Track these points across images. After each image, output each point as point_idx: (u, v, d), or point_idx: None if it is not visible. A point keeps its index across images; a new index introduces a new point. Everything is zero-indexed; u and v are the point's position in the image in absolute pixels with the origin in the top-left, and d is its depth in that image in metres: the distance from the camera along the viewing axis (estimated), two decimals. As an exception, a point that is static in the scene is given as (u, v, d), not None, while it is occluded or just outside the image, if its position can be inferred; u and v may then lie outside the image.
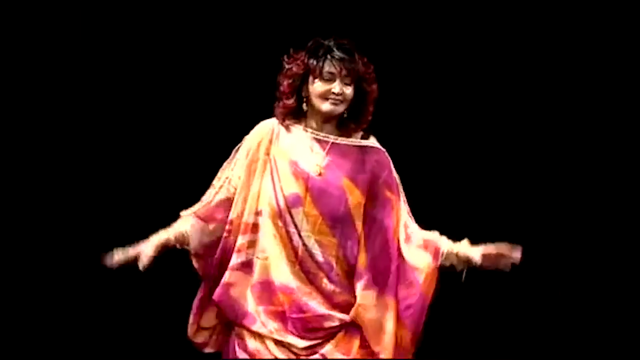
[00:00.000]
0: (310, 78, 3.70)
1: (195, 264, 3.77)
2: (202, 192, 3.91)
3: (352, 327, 3.71)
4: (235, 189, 3.74)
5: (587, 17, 4.94)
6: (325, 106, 3.68)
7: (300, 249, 3.67)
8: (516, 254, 3.62)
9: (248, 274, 3.72)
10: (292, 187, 3.67)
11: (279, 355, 3.66)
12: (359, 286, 3.68)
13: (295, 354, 3.67)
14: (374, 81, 3.74)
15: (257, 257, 3.71)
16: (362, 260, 3.70)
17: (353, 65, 3.67)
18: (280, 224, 3.67)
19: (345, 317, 3.69)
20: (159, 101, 5.02)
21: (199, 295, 3.80)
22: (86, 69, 4.97)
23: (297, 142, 3.72)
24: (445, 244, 3.69)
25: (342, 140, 3.73)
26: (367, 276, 3.70)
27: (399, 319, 3.71)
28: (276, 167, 3.70)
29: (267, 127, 3.76)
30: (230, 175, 3.77)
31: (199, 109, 5.01)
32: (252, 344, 3.71)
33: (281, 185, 3.68)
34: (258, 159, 3.74)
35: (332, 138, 3.72)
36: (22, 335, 4.98)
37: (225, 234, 3.74)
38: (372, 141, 3.78)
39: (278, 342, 3.68)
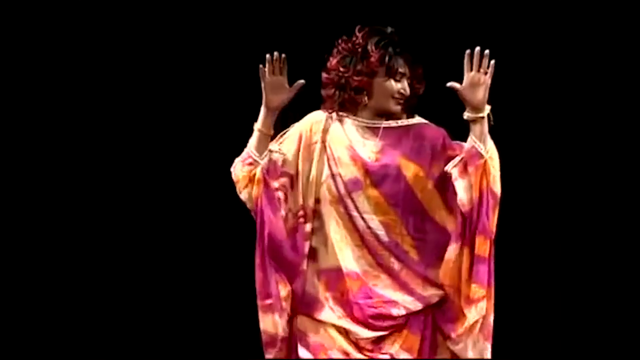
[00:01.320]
0: (379, 72, 3.65)
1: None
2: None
3: (416, 322, 3.64)
4: (286, 159, 3.67)
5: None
6: (393, 106, 3.67)
7: (365, 232, 3.61)
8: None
9: (315, 261, 3.66)
10: (351, 172, 3.63)
11: (342, 343, 3.60)
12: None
13: (358, 344, 3.61)
14: (423, 82, 3.71)
15: (320, 245, 3.65)
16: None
17: (416, 66, 3.67)
18: (342, 209, 3.62)
19: (412, 306, 3.62)
20: (177, 102, 5.05)
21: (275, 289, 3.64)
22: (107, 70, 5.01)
23: (349, 130, 3.68)
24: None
25: (392, 124, 3.69)
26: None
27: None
28: (332, 153, 3.65)
29: (319, 116, 3.71)
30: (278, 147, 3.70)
31: (220, 108, 5.04)
32: (315, 337, 3.63)
33: (339, 171, 3.63)
34: (313, 145, 3.68)
35: (384, 123, 3.67)
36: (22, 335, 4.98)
37: (301, 220, 3.67)
38: (418, 119, 3.72)
39: (342, 331, 3.61)
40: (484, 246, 3.57)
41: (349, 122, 3.69)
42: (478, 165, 3.55)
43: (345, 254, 3.62)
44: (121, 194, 5.10)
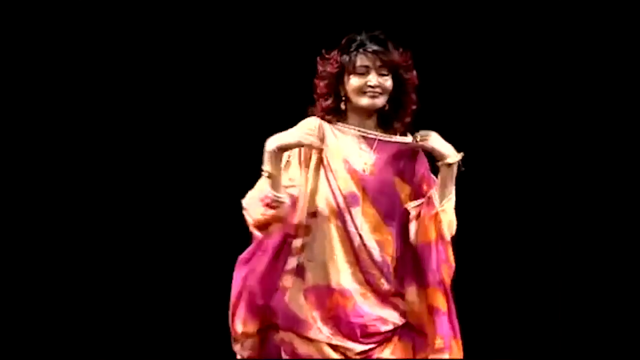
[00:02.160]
0: (346, 75, 3.63)
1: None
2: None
3: (406, 332, 3.67)
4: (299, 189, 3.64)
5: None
6: (364, 100, 3.61)
7: (361, 249, 3.59)
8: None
9: (301, 278, 3.62)
10: (349, 186, 3.60)
11: (331, 354, 3.59)
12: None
13: (346, 355, 3.61)
14: (412, 69, 3.67)
15: (308, 261, 3.61)
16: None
17: (387, 56, 3.61)
18: (340, 224, 3.59)
19: (398, 321, 3.64)
20: (191, 103, 5.09)
21: (247, 296, 3.65)
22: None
23: (343, 140, 3.65)
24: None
25: (388, 138, 3.67)
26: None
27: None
28: (329, 165, 3.62)
29: (312, 123, 3.67)
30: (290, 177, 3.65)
31: (230, 111, 5.06)
32: (304, 349, 3.62)
33: (337, 184, 3.60)
34: (310, 157, 3.65)
35: (379, 135, 3.66)
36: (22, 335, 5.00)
37: (292, 234, 3.62)
38: (411, 139, 3.69)
39: (334, 347, 3.61)
40: (439, 299, 3.61)
41: (341, 129, 3.66)
42: (430, 216, 3.57)
43: (340, 271, 3.59)
44: (121, 195, 5.11)
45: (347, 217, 3.59)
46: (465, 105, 5.04)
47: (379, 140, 3.64)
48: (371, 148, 3.64)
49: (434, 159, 3.62)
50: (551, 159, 5.07)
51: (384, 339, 3.63)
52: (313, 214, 3.60)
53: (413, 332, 3.66)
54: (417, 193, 3.65)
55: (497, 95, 5.03)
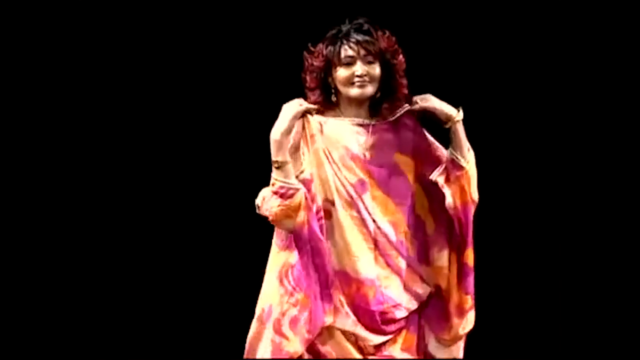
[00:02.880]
0: (333, 67, 3.61)
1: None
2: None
3: (414, 321, 3.67)
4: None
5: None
6: (353, 91, 3.60)
7: (377, 233, 3.60)
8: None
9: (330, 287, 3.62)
10: (355, 174, 3.60)
11: (350, 349, 3.59)
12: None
13: (363, 349, 3.61)
14: (399, 53, 3.65)
15: (332, 246, 3.60)
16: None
17: (372, 43, 3.59)
18: (355, 213, 3.59)
19: (410, 306, 3.64)
20: (187, 99, 5.05)
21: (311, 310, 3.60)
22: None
23: (340, 130, 3.63)
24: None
25: (381, 122, 3.66)
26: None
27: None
28: (332, 157, 3.60)
29: (310, 121, 3.65)
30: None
31: (222, 107, 5.03)
32: (322, 347, 3.60)
33: (344, 174, 3.59)
34: (315, 145, 3.62)
35: (373, 122, 3.64)
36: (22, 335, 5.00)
37: (321, 217, 3.60)
38: (405, 106, 3.68)
39: (350, 338, 3.61)
40: (471, 256, 3.65)
41: (337, 122, 3.64)
42: (459, 176, 3.60)
43: (360, 260, 3.59)
44: (121, 195, 5.11)
45: (360, 205, 3.59)
46: (460, 88, 5.03)
47: (374, 125, 3.65)
48: (367, 133, 3.64)
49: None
50: (550, 154, 5.05)
51: (399, 328, 3.64)
52: (330, 201, 3.60)
53: (423, 315, 3.68)
54: (428, 160, 3.66)
55: (493, 81, 5.02)
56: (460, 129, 3.61)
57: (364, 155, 3.61)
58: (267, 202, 3.51)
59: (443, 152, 3.67)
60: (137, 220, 5.08)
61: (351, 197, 3.59)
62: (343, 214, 3.59)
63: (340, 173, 3.60)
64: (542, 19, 4.98)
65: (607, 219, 4.99)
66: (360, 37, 3.59)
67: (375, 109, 3.68)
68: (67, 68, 5.00)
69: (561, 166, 5.04)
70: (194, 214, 5.10)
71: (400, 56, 3.65)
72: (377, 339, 3.60)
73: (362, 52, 3.58)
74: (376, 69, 3.60)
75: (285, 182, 3.49)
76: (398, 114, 3.67)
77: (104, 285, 5.08)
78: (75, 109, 5.04)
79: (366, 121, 3.65)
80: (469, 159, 3.61)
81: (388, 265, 3.62)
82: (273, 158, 3.50)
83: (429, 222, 3.68)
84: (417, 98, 3.64)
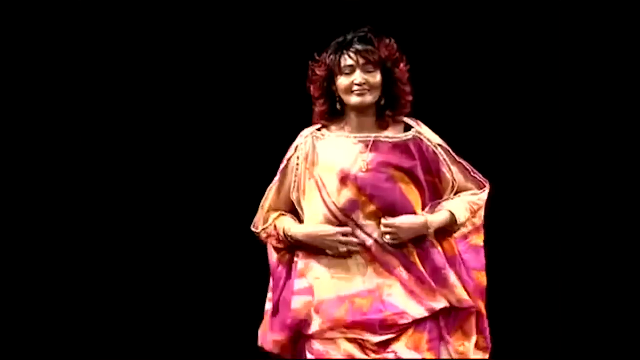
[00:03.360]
0: (335, 76, 3.67)
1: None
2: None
3: (421, 323, 3.68)
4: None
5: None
6: (353, 99, 3.65)
7: (372, 244, 3.63)
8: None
9: (310, 296, 3.68)
10: (344, 195, 3.64)
11: (350, 349, 3.64)
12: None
13: (364, 347, 3.65)
14: (400, 61, 3.70)
15: (315, 278, 3.67)
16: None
17: (371, 52, 3.64)
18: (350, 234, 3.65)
19: (417, 315, 3.66)
20: (191, 108, 5.10)
21: (270, 311, 3.78)
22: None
23: (337, 147, 3.70)
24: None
25: (382, 138, 3.69)
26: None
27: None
28: (322, 183, 3.67)
29: (303, 136, 3.75)
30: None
31: (231, 115, 5.09)
32: (318, 345, 3.68)
33: (332, 200, 3.65)
34: (304, 180, 3.71)
35: (372, 136, 3.68)
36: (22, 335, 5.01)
37: (295, 257, 3.74)
38: (413, 131, 3.72)
39: (351, 340, 3.65)
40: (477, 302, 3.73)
41: (335, 135, 3.70)
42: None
43: (355, 276, 3.64)
44: (121, 195, 5.12)
45: (350, 223, 3.64)
46: (465, 96, 5.05)
47: (374, 140, 3.68)
48: (367, 147, 3.67)
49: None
50: (550, 155, 5.06)
51: (402, 329, 3.65)
52: None
53: (428, 321, 3.69)
54: (427, 185, 3.69)
55: (497, 88, 5.04)
56: (444, 222, 3.66)
57: (360, 169, 3.64)
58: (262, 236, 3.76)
59: (448, 183, 3.71)
60: (138, 220, 5.11)
61: (339, 220, 3.63)
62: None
63: (329, 199, 3.64)
64: (546, 31, 5.00)
65: (605, 219, 5.01)
66: (360, 46, 3.64)
67: (380, 115, 3.71)
68: (67, 69, 5.02)
69: (560, 168, 5.06)
70: (193, 215, 5.12)
71: (402, 64, 3.69)
72: (375, 339, 3.63)
73: (361, 60, 3.64)
74: (376, 77, 3.65)
75: (283, 232, 3.69)
76: (402, 137, 3.69)
77: (104, 285, 5.10)
78: (75, 110, 5.06)
79: (367, 137, 3.68)
80: (458, 227, 3.69)
81: (391, 274, 3.65)
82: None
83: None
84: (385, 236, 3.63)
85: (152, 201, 5.12)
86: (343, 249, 3.62)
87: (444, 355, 3.68)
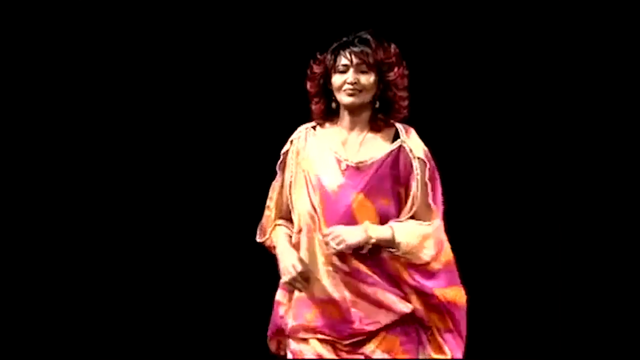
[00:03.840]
0: (331, 75, 3.70)
1: None
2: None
3: (394, 326, 3.68)
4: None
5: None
6: (344, 98, 3.67)
7: (334, 260, 3.64)
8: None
9: (291, 292, 3.72)
10: (314, 198, 3.67)
11: (321, 351, 3.66)
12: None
13: (337, 349, 3.67)
14: (395, 66, 3.69)
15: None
16: None
17: (367, 54, 3.65)
18: (321, 237, 3.65)
19: (389, 321, 3.67)
20: (191, 107, 5.13)
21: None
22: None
23: (321, 155, 3.71)
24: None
25: (356, 162, 3.67)
26: None
27: None
28: (310, 179, 3.70)
29: (300, 140, 3.76)
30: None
31: (231, 114, 5.13)
32: (294, 345, 3.72)
33: (311, 197, 3.68)
34: (296, 175, 3.74)
35: (351, 162, 3.67)
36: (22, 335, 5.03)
37: None
38: (398, 141, 3.71)
39: (322, 340, 3.68)
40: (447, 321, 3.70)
41: (323, 140, 3.72)
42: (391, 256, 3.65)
43: (324, 283, 3.64)
44: (121, 195, 5.14)
45: (317, 228, 3.67)
46: (464, 101, 5.07)
47: (347, 164, 3.68)
48: (339, 166, 3.69)
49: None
50: (549, 156, 5.05)
51: (373, 332, 3.66)
52: (299, 231, 3.71)
53: (403, 324, 3.69)
54: (396, 196, 3.67)
55: (495, 92, 5.05)
56: (382, 238, 3.60)
57: (330, 189, 3.65)
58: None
59: (410, 198, 3.67)
60: (138, 221, 5.13)
61: (314, 221, 3.65)
62: (311, 239, 3.66)
63: (315, 196, 3.66)
64: (545, 40, 5.00)
65: (603, 220, 5.02)
66: (356, 48, 3.66)
67: (375, 118, 3.72)
68: (64, 69, 5.04)
69: (558, 169, 5.06)
70: (193, 215, 5.15)
71: (397, 69, 3.69)
72: (346, 341, 3.66)
73: (356, 60, 3.65)
74: (369, 79, 3.66)
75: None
76: (384, 153, 3.68)
77: (104, 285, 5.12)
78: (74, 110, 5.08)
79: (346, 160, 3.68)
80: (397, 249, 3.61)
81: (352, 289, 3.64)
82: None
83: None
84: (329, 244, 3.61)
85: (149, 200, 5.14)
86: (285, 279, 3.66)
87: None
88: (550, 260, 5.06)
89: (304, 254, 3.67)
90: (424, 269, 3.64)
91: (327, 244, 3.57)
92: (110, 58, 5.08)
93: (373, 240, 3.57)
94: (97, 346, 5.12)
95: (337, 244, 3.55)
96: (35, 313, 5.08)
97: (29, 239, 5.07)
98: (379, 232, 3.58)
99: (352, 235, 3.56)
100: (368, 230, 3.56)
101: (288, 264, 3.62)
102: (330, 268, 3.64)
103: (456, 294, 3.68)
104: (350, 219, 3.61)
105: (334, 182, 3.65)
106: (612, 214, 4.97)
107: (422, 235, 3.62)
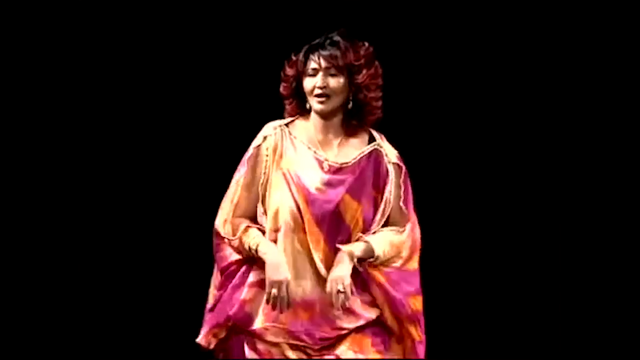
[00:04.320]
0: (302, 78, 3.69)
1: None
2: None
3: (364, 327, 3.68)
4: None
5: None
6: (315, 104, 3.66)
7: (310, 264, 3.64)
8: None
9: (263, 290, 3.67)
10: (297, 198, 3.64)
11: (292, 357, 3.65)
12: None
13: (308, 354, 3.66)
14: (364, 68, 3.65)
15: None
16: None
17: (335, 57, 3.62)
18: (302, 236, 3.64)
19: (358, 323, 3.67)
20: (171, 104, 5.10)
21: (210, 306, 3.77)
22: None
23: (300, 153, 3.70)
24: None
25: (340, 162, 3.67)
26: None
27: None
28: (292, 178, 3.66)
29: (275, 137, 3.71)
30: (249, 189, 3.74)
31: (207, 111, 5.09)
32: (262, 345, 3.68)
33: (295, 196, 3.65)
34: (272, 172, 3.70)
35: (333, 162, 3.66)
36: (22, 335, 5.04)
37: (254, 265, 3.71)
38: (375, 144, 3.70)
39: (294, 347, 3.66)
40: (415, 332, 3.69)
41: (301, 140, 3.70)
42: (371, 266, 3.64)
43: (301, 284, 3.63)
44: (121, 195, 5.14)
45: (300, 228, 3.65)
46: (445, 103, 5.05)
47: (329, 164, 3.67)
48: (323, 169, 3.67)
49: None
50: (546, 156, 5.04)
51: (343, 335, 3.66)
52: (277, 229, 3.66)
53: (372, 325, 3.68)
54: (370, 200, 3.66)
55: (478, 92, 5.03)
56: (363, 255, 3.60)
57: (314, 189, 3.63)
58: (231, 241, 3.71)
59: (384, 202, 3.67)
60: (136, 220, 5.13)
61: (303, 220, 3.62)
62: (290, 238, 3.63)
63: (297, 195, 3.63)
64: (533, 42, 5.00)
65: (604, 218, 4.99)
66: (325, 51, 3.64)
67: (347, 120, 3.70)
68: (60, 70, 5.03)
69: (556, 169, 5.04)
70: (192, 214, 5.14)
71: (366, 70, 3.65)
72: (317, 345, 3.65)
73: (324, 64, 3.63)
74: (338, 82, 3.63)
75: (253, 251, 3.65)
76: (359, 157, 3.67)
77: (103, 286, 5.12)
78: (73, 111, 5.08)
79: (326, 159, 3.67)
80: (376, 260, 3.61)
81: (325, 298, 3.62)
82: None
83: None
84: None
85: (148, 200, 5.14)
86: (270, 292, 3.61)
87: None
88: (548, 260, 5.07)
89: (286, 255, 3.64)
90: (398, 270, 3.66)
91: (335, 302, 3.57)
92: (91, 59, 5.07)
93: (356, 260, 3.59)
94: (97, 346, 5.12)
95: (346, 298, 3.57)
96: (33, 312, 5.09)
97: (17, 236, 5.06)
98: (359, 252, 3.60)
99: (345, 273, 3.57)
100: (353, 257, 3.58)
101: (284, 269, 3.60)
102: (309, 271, 3.63)
103: (419, 303, 3.70)
104: (338, 218, 3.61)
105: (318, 181, 3.63)
106: (608, 211, 4.97)
107: (397, 243, 3.65)
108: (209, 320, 3.72)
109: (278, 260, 3.60)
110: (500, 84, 5.04)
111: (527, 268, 5.08)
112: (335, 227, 3.62)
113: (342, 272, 3.56)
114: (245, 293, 3.67)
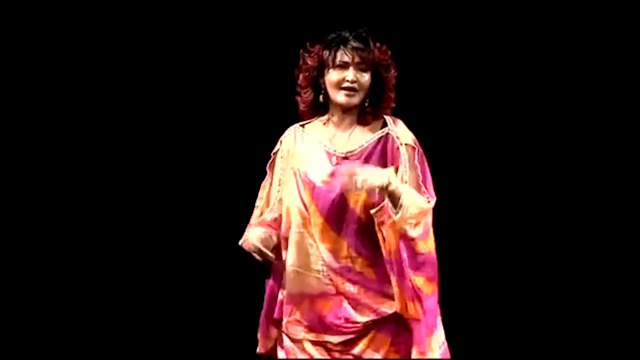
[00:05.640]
0: (326, 69, 3.69)
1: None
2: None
3: (385, 325, 3.67)
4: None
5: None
6: (340, 97, 3.68)
7: (321, 257, 3.66)
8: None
9: (284, 286, 3.73)
10: (304, 195, 3.68)
11: (314, 353, 3.68)
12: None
13: (329, 350, 3.68)
14: (391, 67, 3.72)
15: (285, 270, 3.71)
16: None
17: (367, 53, 3.66)
18: (310, 231, 3.67)
19: (364, 320, 3.66)
20: (182, 104, 5.12)
21: (265, 311, 3.81)
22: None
23: (310, 150, 3.73)
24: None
25: (345, 151, 3.69)
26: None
27: None
28: (300, 175, 3.70)
29: (289, 138, 3.77)
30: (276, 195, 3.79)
31: (220, 111, 5.12)
32: (287, 342, 3.73)
33: (301, 195, 3.69)
34: (285, 173, 3.75)
35: (340, 153, 3.69)
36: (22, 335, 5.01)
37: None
38: (385, 129, 3.71)
39: (314, 342, 3.69)
40: (413, 308, 3.61)
41: (313, 136, 3.73)
42: (390, 222, 3.57)
43: (313, 277, 3.66)
44: (121, 195, 5.12)
45: (309, 226, 3.68)
46: (451, 102, 5.06)
47: (337, 156, 3.70)
48: (330, 160, 3.70)
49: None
50: (547, 155, 5.05)
51: (363, 330, 3.66)
52: (289, 227, 3.70)
53: (394, 324, 3.67)
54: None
55: (482, 93, 5.05)
56: (396, 191, 3.53)
57: (320, 181, 3.66)
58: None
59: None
60: (136, 221, 5.12)
61: (304, 217, 3.66)
62: (301, 235, 3.67)
63: (304, 192, 3.67)
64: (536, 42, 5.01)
65: (604, 218, 5.02)
66: (356, 45, 3.66)
67: (362, 115, 3.73)
68: (58, 70, 5.02)
69: (557, 164, 5.06)
70: (191, 215, 5.13)
71: (392, 70, 3.71)
72: (337, 339, 3.66)
73: (357, 59, 3.66)
74: (366, 78, 3.68)
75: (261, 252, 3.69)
76: (374, 138, 3.69)
77: (103, 286, 5.11)
78: (71, 111, 5.07)
79: (335, 152, 3.70)
80: (400, 209, 3.52)
81: (338, 292, 3.66)
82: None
83: (377, 242, 3.64)
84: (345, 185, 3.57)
85: (134, 199, 5.15)
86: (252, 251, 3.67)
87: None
88: (547, 259, 5.07)
89: (293, 249, 3.67)
90: (410, 246, 3.58)
91: (348, 183, 3.50)
92: (91, 58, 5.07)
93: (392, 188, 3.50)
94: (97, 346, 5.10)
95: (362, 185, 3.48)
96: (31, 312, 5.07)
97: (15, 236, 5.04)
98: (396, 186, 3.51)
99: (377, 176, 3.49)
100: (391, 177, 3.52)
101: (253, 237, 3.65)
102: (320, 264, 3.65)
103: (424, 285, 3.62)
104: (342, 204, 3.62)
105: (325, 174, 3.66)
106: (608, 210, 4.97)
107: (421, 208, 3.56)
108: (260, 324, 3.81)
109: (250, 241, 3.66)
110: (500, 84, 5.05)
111: (527, 268, 5.08)
112: (340, 214, 3.63)
113: (369, 170, 3.52)
114: (275, 291, 3.74)
